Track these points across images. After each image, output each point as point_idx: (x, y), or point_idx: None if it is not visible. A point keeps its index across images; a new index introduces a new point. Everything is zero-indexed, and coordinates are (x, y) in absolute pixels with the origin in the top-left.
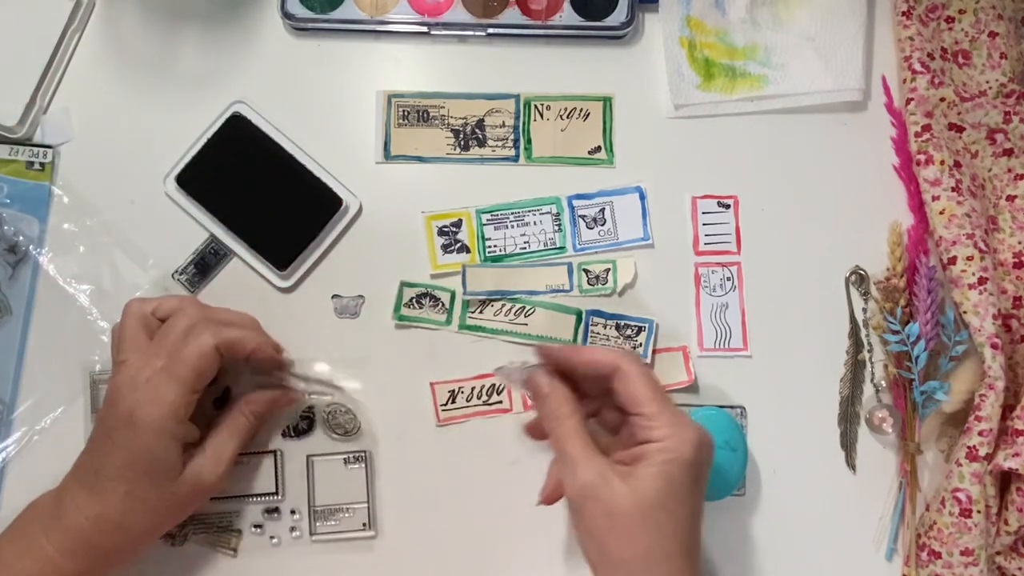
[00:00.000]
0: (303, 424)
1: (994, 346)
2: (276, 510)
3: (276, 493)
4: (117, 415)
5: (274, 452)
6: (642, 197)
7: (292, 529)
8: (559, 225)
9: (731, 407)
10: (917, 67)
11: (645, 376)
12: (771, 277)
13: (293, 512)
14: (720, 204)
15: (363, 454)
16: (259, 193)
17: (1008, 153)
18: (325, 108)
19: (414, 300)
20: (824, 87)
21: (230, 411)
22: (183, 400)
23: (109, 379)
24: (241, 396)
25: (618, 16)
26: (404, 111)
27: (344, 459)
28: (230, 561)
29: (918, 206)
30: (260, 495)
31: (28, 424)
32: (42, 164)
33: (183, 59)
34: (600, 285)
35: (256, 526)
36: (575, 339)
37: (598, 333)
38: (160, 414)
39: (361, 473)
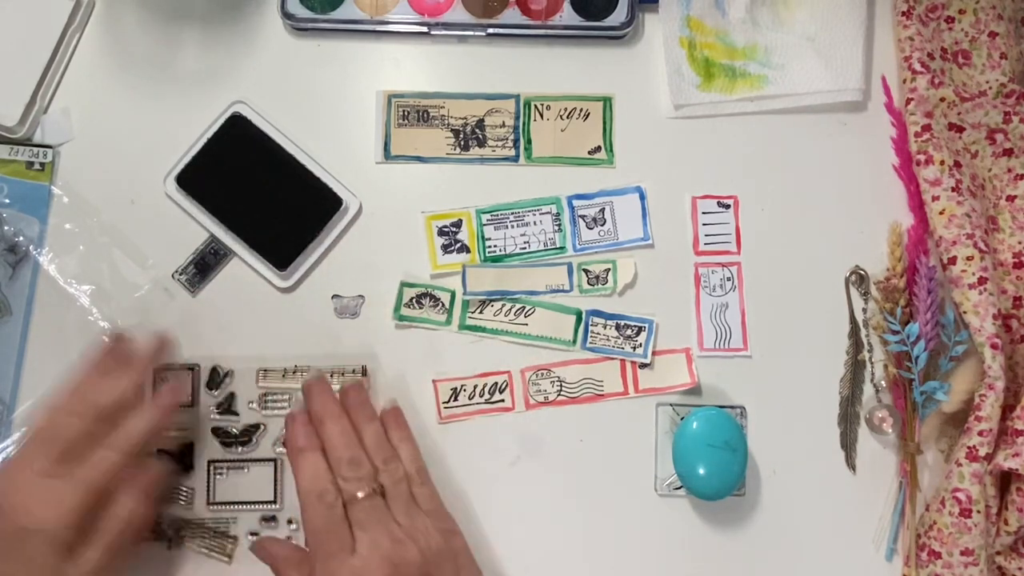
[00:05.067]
0: None
1: (994, 346)
2: (273, 519)
3: (274, 501)
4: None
5: (274, 460)
6: (642, 197)
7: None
8: (559, 225)
9: (731, 407)
10: (917, 67)
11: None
12: (771, 277)
13: (290, 522)
14: (720, 204)
15: None
16: (259, 193)
17: (1008, 153)
18: (325, 108)
19: (414, 300)
20: (824, 87)
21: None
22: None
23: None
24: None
25: (618, 16)
26: (404, 111)
27: None
28: (224, 567)
29: (918, 206)
30: (258, 503)
31: (28, 424)
32: (42, 164)
33: (183, 59)
34: (600, 285)
35: (252, 534)
36: (575, 339)
37: (598, 333)
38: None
39: None
